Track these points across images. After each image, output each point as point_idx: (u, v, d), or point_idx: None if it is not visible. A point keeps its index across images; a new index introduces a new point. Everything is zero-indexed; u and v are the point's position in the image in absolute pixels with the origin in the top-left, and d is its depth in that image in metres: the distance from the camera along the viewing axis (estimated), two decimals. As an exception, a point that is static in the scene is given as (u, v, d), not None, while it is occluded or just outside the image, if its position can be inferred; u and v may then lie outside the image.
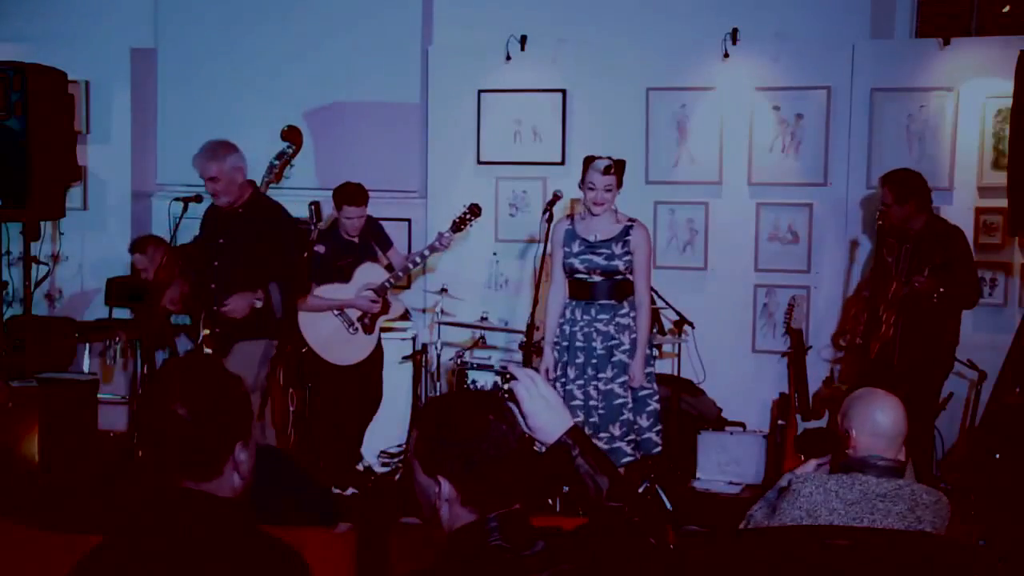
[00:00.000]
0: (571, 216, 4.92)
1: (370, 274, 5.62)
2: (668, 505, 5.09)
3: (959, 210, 5.95)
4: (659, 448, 4.79)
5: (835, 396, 5.56)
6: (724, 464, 5.84)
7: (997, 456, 4.51)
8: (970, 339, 5.76)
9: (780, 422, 5.58)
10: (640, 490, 4.78)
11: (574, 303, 4.82)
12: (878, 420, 2.85)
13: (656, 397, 4.80)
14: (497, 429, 1.80)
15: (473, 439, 1.80)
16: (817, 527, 2.74)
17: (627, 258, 4.73)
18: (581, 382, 4.74)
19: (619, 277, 4.76)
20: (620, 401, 4.68)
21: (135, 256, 5.84)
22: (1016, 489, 4.27)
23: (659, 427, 4.78)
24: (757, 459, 5.85)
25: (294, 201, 6.08)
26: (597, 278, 4.76)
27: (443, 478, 1.80)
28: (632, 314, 4.75)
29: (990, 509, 4.17)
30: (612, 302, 4.75)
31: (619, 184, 4.76)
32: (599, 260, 4.75)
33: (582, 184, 4.78)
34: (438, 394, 1.68)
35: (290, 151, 5.20)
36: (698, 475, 5.86)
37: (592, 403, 4.70)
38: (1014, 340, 5.13)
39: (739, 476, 5.82)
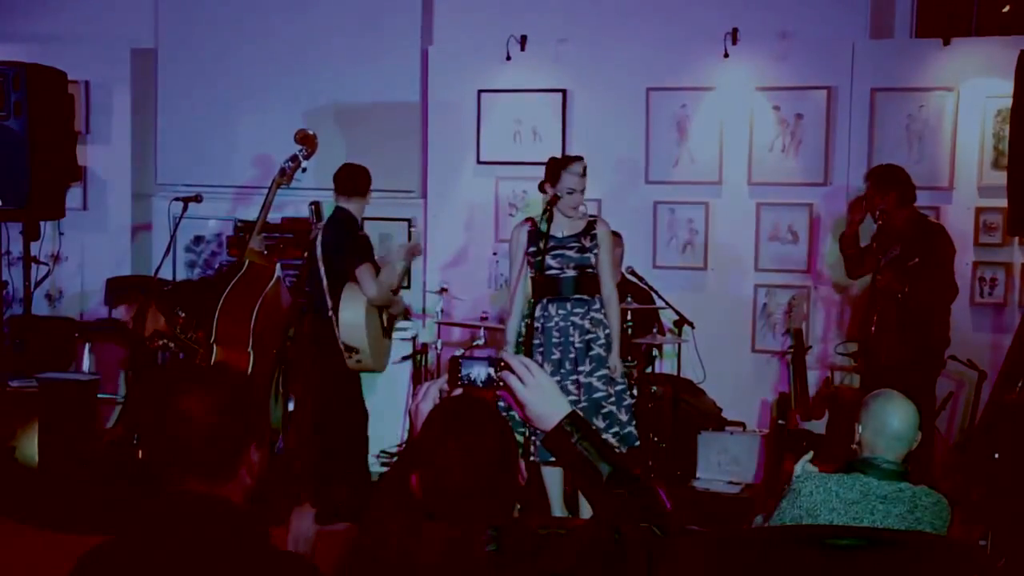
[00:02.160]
0: (530, 219, 4.90)
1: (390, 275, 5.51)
2: (668, 505, 5.08)
3: (959, 210, 5.96)
4: (639, 442, 4.87)
5: (835, 396, 5.56)
6: (724, 464, 5.84)
7: (997, 456, 4.50)
8: (970, 339, 5.77)
9: (780, 422, 5.58)
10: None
11: (546, 300, 4.78)
12: (888, 422, 2.86)
13: (631, 393, 4.91)
14: (443, 456, 1.83)
15: (427, 449, 1.85)
16: (817, 527, 2.74)
17: (596, 251, 4.78)
18: (557, 378, 4.70)
19: (590, 271, 4.79)
20: (600, 394, 4.71)
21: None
22: (1016, 489, 4.26)
23: (635, 421, 4.84)
24: (757, 459, 5.85)
25: (295, 201, 6.10)
26: (570, 272, 4.78)
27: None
28: (603, 310, 4.80)
29: (990, 509, 4.16)
30: (585, 297, 4.78)
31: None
32: (571, 254, 4.77)
33: (555, 186, 4.78)
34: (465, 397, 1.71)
35: (302, 154, 5.20)
36: (698, 475, 5.86)
37: (571, 398, 4.66)
38: (1014, 340, 5.13)
39: (739, 476, 5.81)
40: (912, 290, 5.12)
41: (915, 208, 5.37)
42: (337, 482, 5.23)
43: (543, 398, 1.94)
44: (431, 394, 1.99)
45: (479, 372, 1.95)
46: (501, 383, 1.94)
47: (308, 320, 5.26)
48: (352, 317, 5.14)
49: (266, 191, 5.23)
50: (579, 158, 4.87)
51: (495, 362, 1.95)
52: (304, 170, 5.24)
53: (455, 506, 1.82)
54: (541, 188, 4.91)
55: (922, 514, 2.75)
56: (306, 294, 5.33)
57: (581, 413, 4.37)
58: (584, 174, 4.81)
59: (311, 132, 5.30)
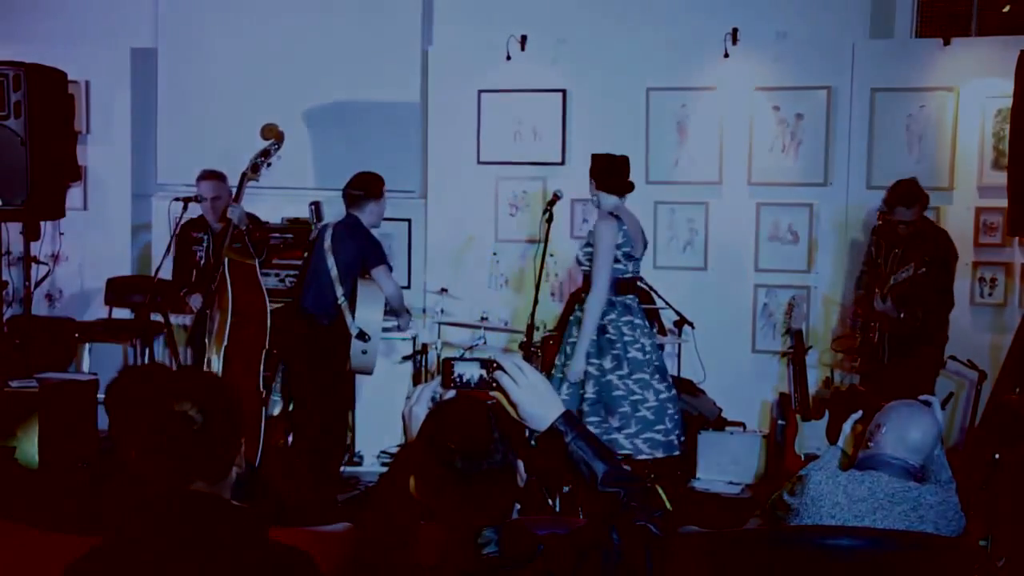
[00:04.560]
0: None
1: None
2: (668, 505, 5.08)
3: (959, 210, 5.96)
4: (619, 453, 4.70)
5: (835, 396, 5.56)
6: (724, 464, 5.84)
7: (997, 456, 4.50)
8: (970, 339, 5.78)
9: (780, 422, 5.58)
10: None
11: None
12: (910, 433, 2.88)
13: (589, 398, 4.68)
14: (441, 458, 1.81)
15: (425, 451, 1.83)
16: (817, 527, 2.74)
17: (588, 249, 4.72)
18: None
19: (585, 268, 4.74)
20: (619, 393, 4.67)
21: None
22: (1016, 489, 4.26)
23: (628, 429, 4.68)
24: (757, 459, 5.85)
25: (295, 201, 6.10)
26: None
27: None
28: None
29: (990, 509, 4.16)
30: (584, 294, 4.75)
31: (592, 177, 4.79)
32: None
33: None
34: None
35: (274, 148, 5.17)
36: (698, 475, 5.86)
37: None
38: (1014, 340, 5.13)
39: (739, 476, 5.81)
40: (908, 316, 5.15)
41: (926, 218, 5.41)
42: (316, 481, 5.25)
43: (536, 398, 1.93)
44: (424, 397, 1.98)
45: (472, 373, 1.94)
46: (494, 384, 1.93)
47: (306, 321, 5.24)
48: (370, 311, 5.19)
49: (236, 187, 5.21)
50: None
51: (487, 363, 1.94)
52: (269, 165, 5.21)
53: (453, 508, 1.81)
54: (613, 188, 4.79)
55: (925, 513, 2.75)
56: (304, 294, 5.31)
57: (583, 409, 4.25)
58: None
59: (277, 126, 5.25)
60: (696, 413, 5.94)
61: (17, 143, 5.26)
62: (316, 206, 5.13)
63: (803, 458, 5.07)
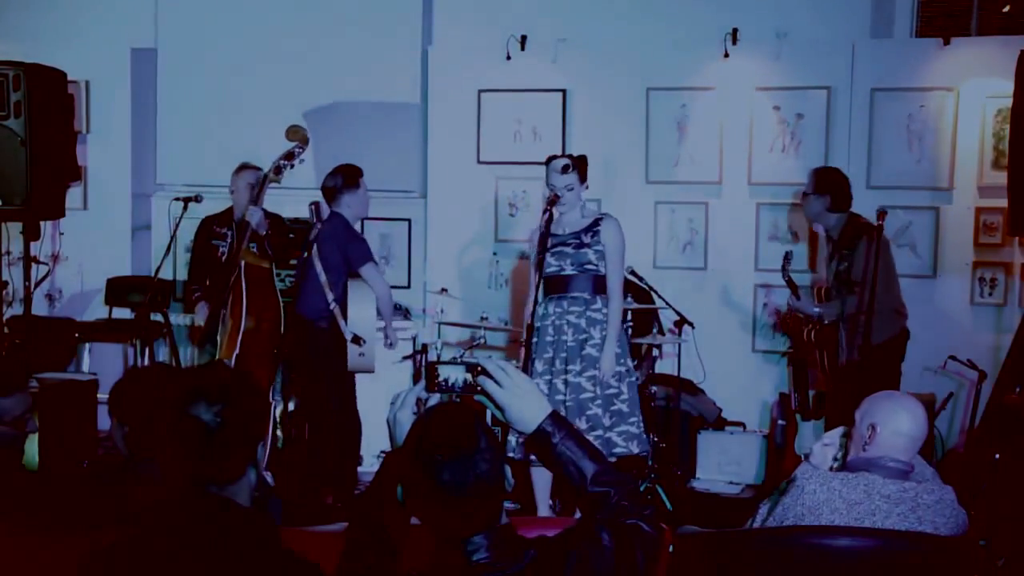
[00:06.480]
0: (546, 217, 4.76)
1: None
2: (668, 505, 5.09)
3: (959, 210, 5.97)
4: (622, 449, 4.60)
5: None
6: (724, 464, 5.85)
7: (997, 456, 4.50)
8: (970, 339, 5.78)
9: (780, 422, 5.58)
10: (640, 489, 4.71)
11: (547, 299, 4.73)
12: (903, 420, 2.84)
13: (624, 398, 4.64)
14: (429, 465, 1.78)
15: (412, 458, 1.81)
16: (817, 527, 2.73)
17: (598, 248, 4.67)
18: (548, 376, 4.66)
19: (591, 268, 4.67)
20: (587, 395, 4.61)
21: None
22: (1016, 489, 4.26)
23: (625, 428, 4.61)
24: (757, 459, 5.86)
25: (294, 201, 6.09)
26: (570, 271, 4.69)
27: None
28: (605, 309, 4.67)
29: (990, 509, 4.16)
30: (585, 295, 4.68)
31: (582, 180, 4.73)
32: (569, 251, 4.69)
33: (546, 184, 4.76)
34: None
35: (299, 151, 5.16)
36: (698, 475, 5.86)
37: (559, 397, 4.62)
38: (1014, 340, 5.13)
39: (739, 476, 5.82)
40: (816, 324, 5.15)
41: (850, 213, 5.24)
42: (327, 484, 5.23)
43: (522, 400, 1.92)
44: (408, 402, 1.98)
45: (456, 377, 1.93)
46: (479, 388, 1.92)
47: (303, 326, 5.21)
48: (363, 309, 5.16)
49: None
50: (558, 156, 4.80)
51: (472, 367, 1.93)
52: (293, 167, 5.19)
53: (439, 519, 1.80)
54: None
55: (924, 513, 2.74)
56: (298, 298, 5.29)
57: (565, 412, 4.29)
58: (564, 172, 4.68)
59: (303, 128, 5.23)
60: (696, 413, 5.95)
61: (17, 143, 5.27)
62: (316, 206, 5.12)
63: (803, 458, 5.07)
